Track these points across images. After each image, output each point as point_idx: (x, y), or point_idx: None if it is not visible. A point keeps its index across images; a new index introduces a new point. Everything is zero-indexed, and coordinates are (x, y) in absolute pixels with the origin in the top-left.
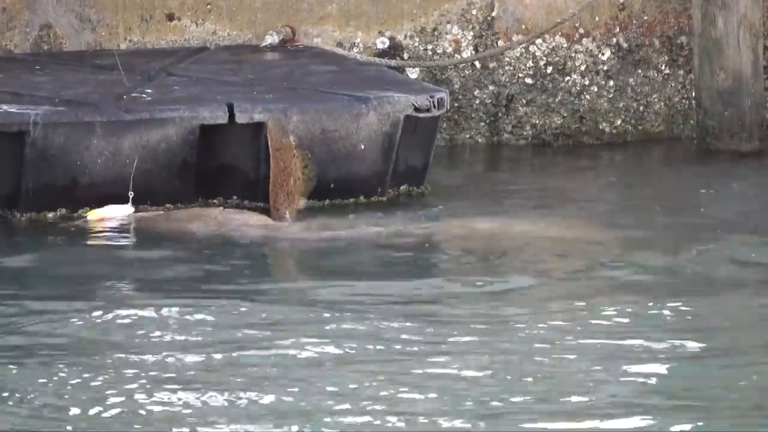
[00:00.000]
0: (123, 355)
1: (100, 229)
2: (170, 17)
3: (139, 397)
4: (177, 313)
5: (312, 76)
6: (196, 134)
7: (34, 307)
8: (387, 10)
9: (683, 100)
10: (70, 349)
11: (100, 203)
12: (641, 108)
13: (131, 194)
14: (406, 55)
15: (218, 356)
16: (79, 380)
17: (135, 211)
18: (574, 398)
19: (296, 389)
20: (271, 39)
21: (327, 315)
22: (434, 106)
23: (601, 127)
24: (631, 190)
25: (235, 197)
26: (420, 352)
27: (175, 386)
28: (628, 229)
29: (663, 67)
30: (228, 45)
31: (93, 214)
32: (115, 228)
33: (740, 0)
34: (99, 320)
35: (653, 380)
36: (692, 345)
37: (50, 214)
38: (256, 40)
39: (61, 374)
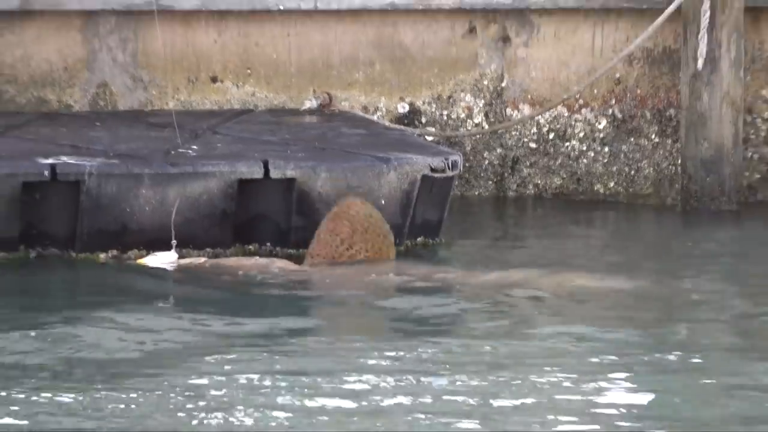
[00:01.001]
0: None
1: (149, 273)
2: (214, 79)
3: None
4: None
5: (342, 138)
6: (234, 187)
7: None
8: (408, 78)
9: (670, 167)
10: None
11: (147, 247)
12: (632, 172)
13: (174, 242)
14: (423, 119)
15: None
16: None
17: (179, 258)
18: None
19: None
20: (310, 103)
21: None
22: (449, 168)
23: (596, 188)
24: (622, 245)
25: (268, 244)
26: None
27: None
28: (621, 279)
29: (653, 137)
30: (270, 108)
31: (140, 261)
32: (160, 272)
33: (723, 78)
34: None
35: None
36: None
37: (102, 255)
38: (290, 102)
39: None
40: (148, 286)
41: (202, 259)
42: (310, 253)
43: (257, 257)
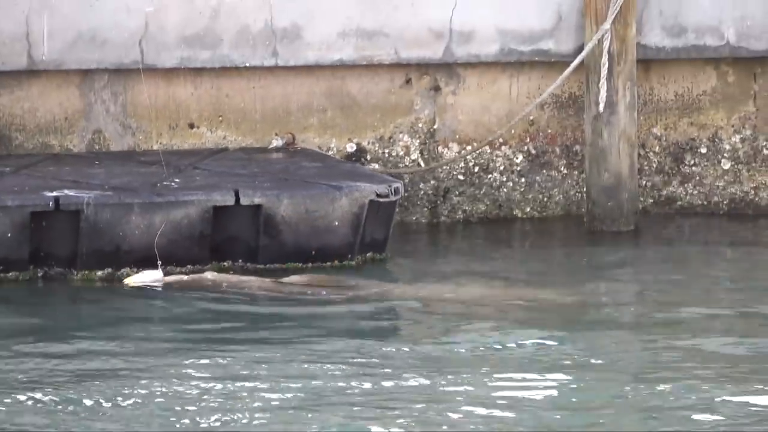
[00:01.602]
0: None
1: (138, 289)
2: (191, 125)
3: None
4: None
5: (302, 170)
6: (210, 213)
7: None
8: (355, 122)
9: (577, 194)
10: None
11: (137, 265)
12: (545, 199)
13: (159, 262)
14: (369, 157)
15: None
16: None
17: (164, 275)
18: None
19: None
20: (276, 142)
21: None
22: (392, 193)
23: (514, 213)
24: (537, 260)
25: (240, 261)
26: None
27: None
28: (538, 289)
29: (562, 168)
30: (243, 147)
31: (129, 280)
32: (148, 288)
33: (620, 119)
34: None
35: None
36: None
37: (99, 273)
38: (256, 144)
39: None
40: (137, 302)
41: (185, 277)
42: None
43: (233, 273)
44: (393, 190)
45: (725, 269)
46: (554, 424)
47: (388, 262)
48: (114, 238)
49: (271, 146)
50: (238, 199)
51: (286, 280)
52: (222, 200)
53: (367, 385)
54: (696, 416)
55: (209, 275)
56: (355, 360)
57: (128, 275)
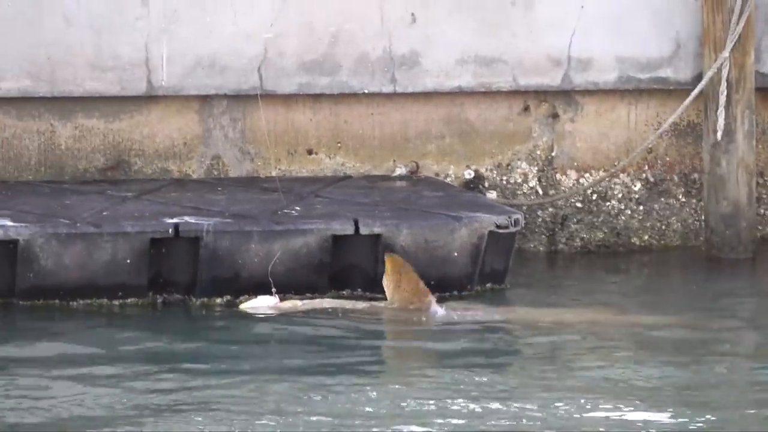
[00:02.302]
0: None
1: (254, 315)
2: (310, 152)
3: None
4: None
5: (423, 200)
6: (329, 242)
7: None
8: (473, 149)
9: (695, 222)
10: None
11: (255, 292)
12: (663, 227)
13: (274, 289)
14: (486, 184)
15: None
16: None
17: (279, 301)
18: None
19: None
20: (400, 170)
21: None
22: (512, 225)
23: (632, 241)
24: (656, 288)
25: (359, 290)
26: None
27: None
28: (658, 317)
29: (680, 197)
30: (366, 175)
31: (245, 305)
32: (263, 314)
33: (739, 147)
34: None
35: None
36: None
37: (218, 300)
38: (374, 170)
39: None
40: (252, 328)
41: (299, 303)
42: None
43: (345, 300)
44: (513, 222)
45: None
46: None
47: (508, 292)
48: (233, 265)
49: (394, 174)
50: (357, 229)
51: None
52: (341, 229)
53: (495, 406)
54: None
55: (324, 302)
56: (471, 391)
57: (242, 303)
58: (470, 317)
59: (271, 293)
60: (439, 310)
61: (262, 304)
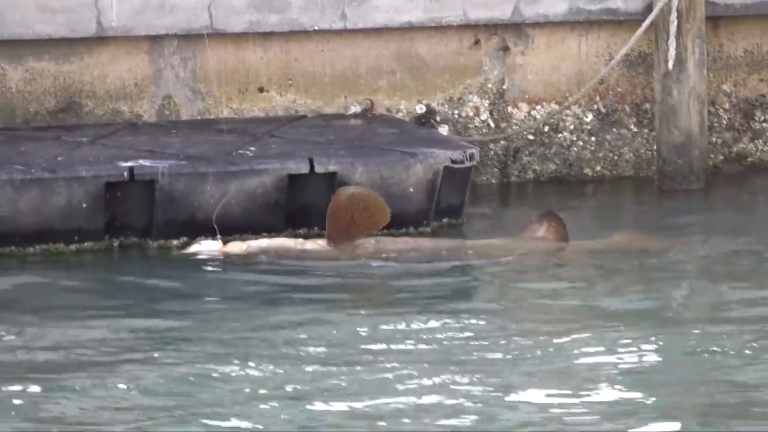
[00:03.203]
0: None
1: (198, 258)
2: (261, 90)
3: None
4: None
5: (378, 137)
6: (285, 181)
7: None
8: (424, 84)
9: (647, 152)
10: None
11: (211, 234)
12: (615, 158)
13: (219, 236)
14: (438, 118)
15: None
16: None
17: (223, 245)
18: None
19: None
20: (355, 108)
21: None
22: (467, 159)
23: (585, 172)
24: (609, 218)
25: (315, 228)
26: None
27: None
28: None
29: (632, 127)
30: (321, 114)
31: (188, 249)
32: (206, 257)
33: (690, 76)
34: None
35: None
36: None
37: (174, 242)
38: (326, 107)
39: None
40: (192, 273)
41: (244, 245)
42: (326, 235)
43: (286, 239)
44: (468, 156)
45: None
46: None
47: (464, 227)
48: (189, 207)
49: (349, 112)
50: (312, 168)
51: (338, 243)
52: (296, 168)
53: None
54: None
55: (262, 242)
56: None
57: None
58: (394, 254)
59: (215, 237)
60: (366, 247)
61: (205, 248)
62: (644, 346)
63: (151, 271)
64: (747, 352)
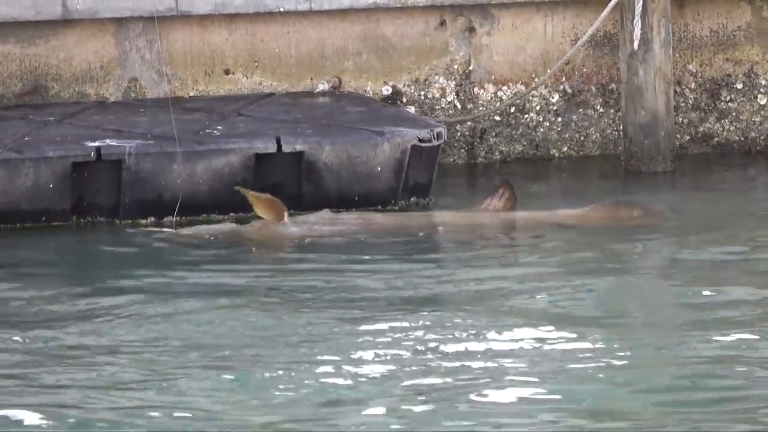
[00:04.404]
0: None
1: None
2: (227, 72)
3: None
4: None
5: (345, 115)
6: (252, 160)
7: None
8: (390, 65)
9: (613, 132)
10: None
11: (178, 213)
12: (582, 138)
13: (175, 218)
14: (404, 99)
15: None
16: None
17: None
18: None
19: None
20: (323, 86)
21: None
22: (435, 138)
23: (551, 152)
24: (575, 198)
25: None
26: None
27: None
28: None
29: (598, 107)
30: (288, 92)
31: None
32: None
33: (656, 56)
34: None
35: None
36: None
37: (142, 221)
38: (292, 88)
39: None
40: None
41: (201, 228)
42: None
43: (230, 223)
44: (435, 135)
45: (764, 207)
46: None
47: (433, 206)
48: (156, 186)
49: (316, 90)
50: (279, 147)
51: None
52: (264, 147)
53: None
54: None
55: (202, 228)
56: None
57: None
58: (326, 230)
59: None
60: (292, 228)
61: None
62: (603, 335)
63: (116, 250)
64: (716, 338)
